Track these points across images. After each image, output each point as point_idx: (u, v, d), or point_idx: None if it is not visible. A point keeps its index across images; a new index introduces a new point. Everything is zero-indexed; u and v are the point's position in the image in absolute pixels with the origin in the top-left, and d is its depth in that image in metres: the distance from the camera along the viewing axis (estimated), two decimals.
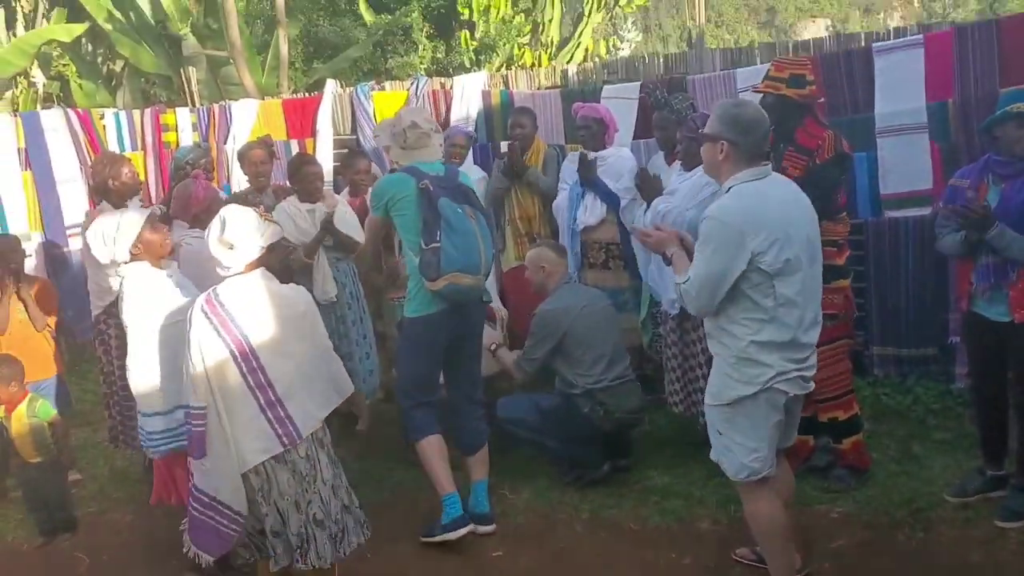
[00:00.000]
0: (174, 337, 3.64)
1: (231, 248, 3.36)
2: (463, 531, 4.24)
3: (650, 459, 4.99)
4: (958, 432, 4.94)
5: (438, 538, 4.26)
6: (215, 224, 3.41)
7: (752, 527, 3.46)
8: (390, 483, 5.01)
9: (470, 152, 7.01)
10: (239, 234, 3.37)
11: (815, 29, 32.25)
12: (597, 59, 12.84)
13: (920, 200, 5.50)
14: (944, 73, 5.41)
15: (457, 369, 4.48)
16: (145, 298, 3.74)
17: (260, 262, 3.46)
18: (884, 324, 5.66)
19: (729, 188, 3.25)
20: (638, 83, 6.48)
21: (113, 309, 4.86)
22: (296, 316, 3.45)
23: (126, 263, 3.79)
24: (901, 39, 5.74)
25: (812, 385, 3.40)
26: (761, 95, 4.34)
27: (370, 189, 4.45)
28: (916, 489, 4.39)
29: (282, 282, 3.60)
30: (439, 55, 13.45)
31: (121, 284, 3.85)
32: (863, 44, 5.94)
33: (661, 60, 7.13)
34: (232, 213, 3.44)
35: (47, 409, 4.62)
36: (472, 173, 6.23)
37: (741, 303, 3.17)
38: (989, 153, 4.10)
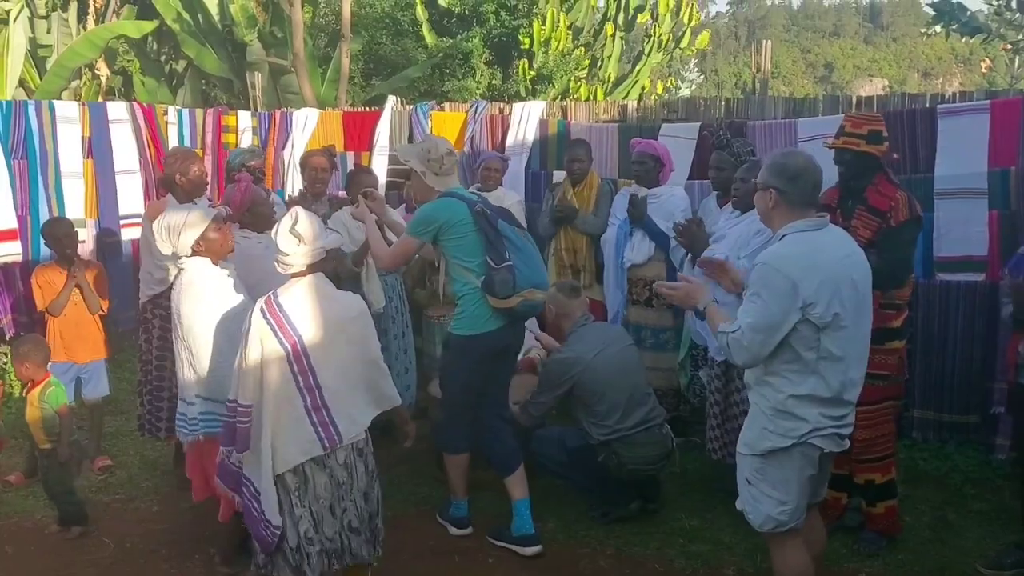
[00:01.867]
0: (225, 331, 3.74)
1: (299, 242, 3.39)
2: (461, 532, 4.58)
3: (679, 501, 4.94)
4: (996, 504, 4.85)
5: (441, 520, 4.67)
6: (287, 217, 3.46)
7: None
8: (416, 498, 5.02)
9: (521, 178, 7.12)
10: (308, 231, 3.42)
11: (872, 88, 32.19)
12: (656, 97, 12.90)
13: (974, 265, 5.43)
14: (1009, 140, 5.36)
15: (493, 386, 4.50)
16: (202, 291, 3.83)
17: (320, 266, 3.51)
18: (927, 387, 5.58)
19: (783, 236, 3.23)
20: (697, 124, 6.49)
21: (160, 299, 4.95)
22: (348, 322, 3.48)
23: (187, 257, 3.87)
24: (967, 103, 5.68)
25: (847, 443, 3.34)
26: (835, 151, 4.28)
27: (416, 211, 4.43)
28: (949, 558, 4.31)
29: None
30: (495, 82, 13.59)
31: (178, 275, 3.94)
32: (928, 105, 5.89)
33: (723, 103, 7.12)
34: (303, 211, 3.50)
35: (57, 397, 4.60)
36: (507, 198, 6.30)
37: (783, 354, 3.13)
38: None
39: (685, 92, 21.68)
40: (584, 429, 4.73)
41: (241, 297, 3.89)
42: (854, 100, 6.48)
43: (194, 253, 3.83)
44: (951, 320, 5.49)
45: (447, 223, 4.21)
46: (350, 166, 7.49)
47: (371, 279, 5.23)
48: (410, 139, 7.76)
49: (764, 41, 7.65)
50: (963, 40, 11.57)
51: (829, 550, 4.02)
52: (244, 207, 4.47)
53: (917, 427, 5.62)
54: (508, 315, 4.23)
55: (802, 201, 3.22)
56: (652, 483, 4.85)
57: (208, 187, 5.25)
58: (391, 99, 8.11)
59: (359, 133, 7.95)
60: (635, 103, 7.65)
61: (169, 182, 4.88)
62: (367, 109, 8.70)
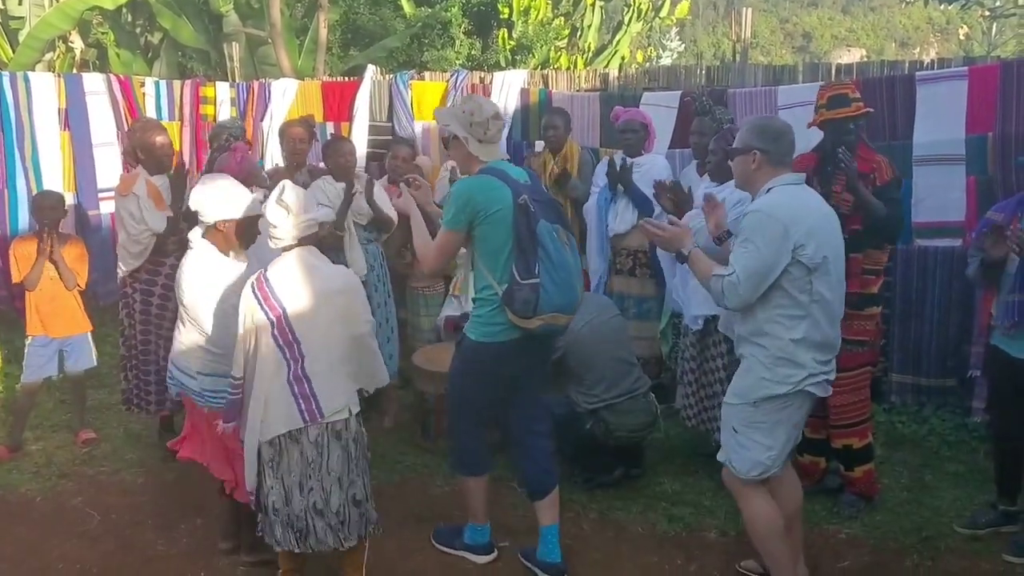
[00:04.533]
0: (224, 312, 3.66)
1: (287, 212, 3.36)
2: (487, 558, 4.06)
3: (661, 466, 5.00)
4: (972, 465, 4.95)
5: (456, 552, 4.10)
6: (276, 188, 3.41)
7: (750, 530, 3.49)
8: (402, 467, 5.05)
9: (503, 148, 7.09)
10: (295, 202, 3.38)
11: (850, 59, 32.24)
12: (636, 66, 12.86)
13: (952, 231, 5.50)
14: (986, 107, 5.40)
15: (520, 397, 3.89)
16: (206, 272, 3.68)
17: (310, 240, 3.48)
18: (905, 352, 5.67)
19: (770, 189, 3.36)
20: (678, 92, 6.49)
21: (139, 274, 4.91)
22: (334, 295, 3.43)
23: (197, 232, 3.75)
24: (945, 70, 5.73)
25: (831, 390, 3.46)
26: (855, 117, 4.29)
27: (448, 193, 3.75)
28: (926, 518, 4.40)
29: None
30: (475, 52, 13.49)
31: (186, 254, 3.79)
32: (907, 72, 5.92)
33: (703, 71, 7.13)
34: (291, 184, 3.46)
35: None
36: None
37: (778, 299, 3.25)
38: None
39: (666, 61, 21.61)
40: (570, 398, 4.76)
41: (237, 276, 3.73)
42: (833, 68, 6.51)
43: (212, 229, 3.69)
44: (929, 285, 5.56)
45: (485, 210, 3.54)
46: (329, 137, 7.43)
47: (353, 247, 5.21)
48: (390, 109, 7.72)
49: (744, 9, 7.65)
50: (941, 7, 11.61)
51: (810, 512, 4.10)
52: (241, 176, 4.42)
53: (895, 391, 5.71)
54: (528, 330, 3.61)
55: (782, 160, 3.39)
56: (636, 449, 4.90)
57: (172, 157, 5.11)
58: (371, 68, 8.05)
59: (339, 104, 7.89)
60: (616, 72, 7.64)
61: (131, 153, 4.83)
62: (346, 79, 8.62)
